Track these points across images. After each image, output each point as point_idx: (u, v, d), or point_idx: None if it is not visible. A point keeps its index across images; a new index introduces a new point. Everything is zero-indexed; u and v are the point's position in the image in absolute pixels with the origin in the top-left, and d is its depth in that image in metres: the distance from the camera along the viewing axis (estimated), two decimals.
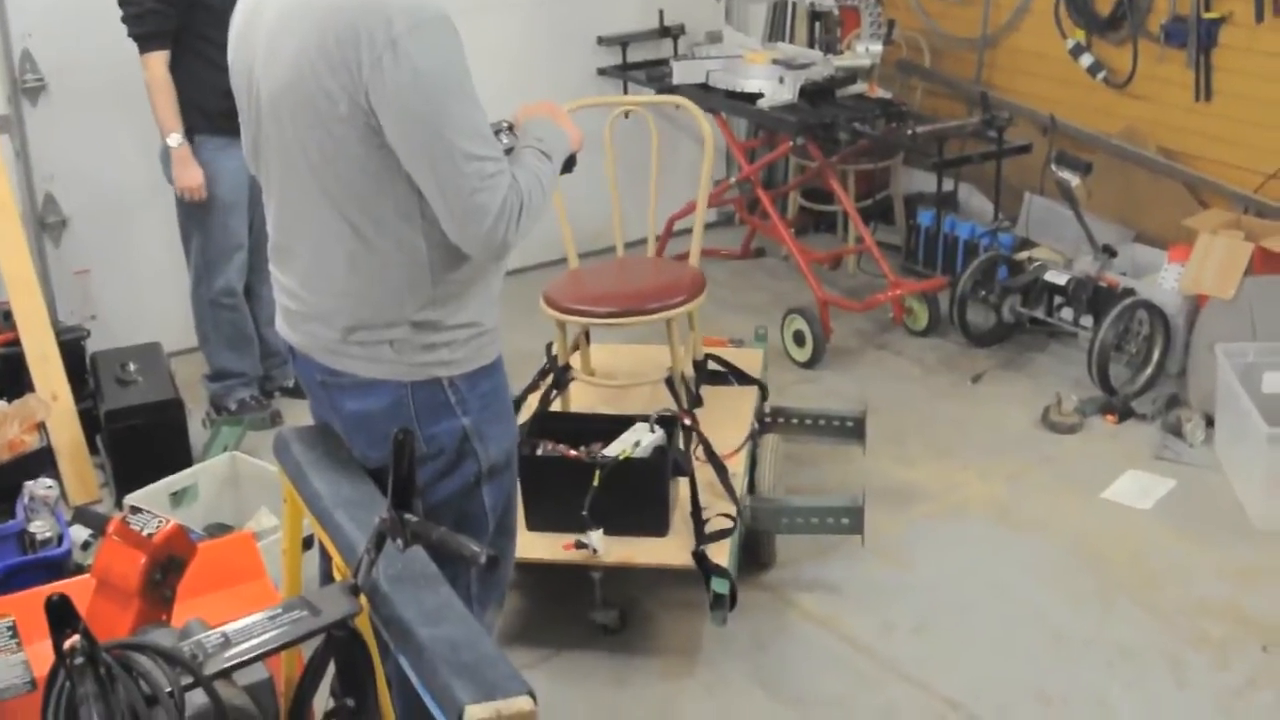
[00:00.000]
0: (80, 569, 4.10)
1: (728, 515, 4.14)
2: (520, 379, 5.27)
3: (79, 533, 4.39)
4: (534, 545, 4.05)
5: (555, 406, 4.61)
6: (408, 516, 2.31)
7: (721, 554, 4.02)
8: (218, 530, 4.47)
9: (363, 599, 2.39)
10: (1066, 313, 5.82)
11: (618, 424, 4.27)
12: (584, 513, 3.99)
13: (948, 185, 6.64)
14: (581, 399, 4.78)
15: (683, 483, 4.19)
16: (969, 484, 5.01)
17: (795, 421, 5.00)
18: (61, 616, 2.04)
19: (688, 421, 4.35)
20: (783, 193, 7.10)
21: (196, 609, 2.68)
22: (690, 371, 4.75)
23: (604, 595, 4.17)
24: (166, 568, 2.81)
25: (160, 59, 4.99)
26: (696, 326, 4.82)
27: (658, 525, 4.13)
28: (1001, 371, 5.89)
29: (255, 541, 4.02)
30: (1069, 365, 5.85)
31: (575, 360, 4.79)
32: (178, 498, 4.55)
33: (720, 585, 3.93)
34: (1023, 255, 6.14)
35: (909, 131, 5.93)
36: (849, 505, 4.27)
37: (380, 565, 2.39)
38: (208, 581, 3.60)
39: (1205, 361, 5.23)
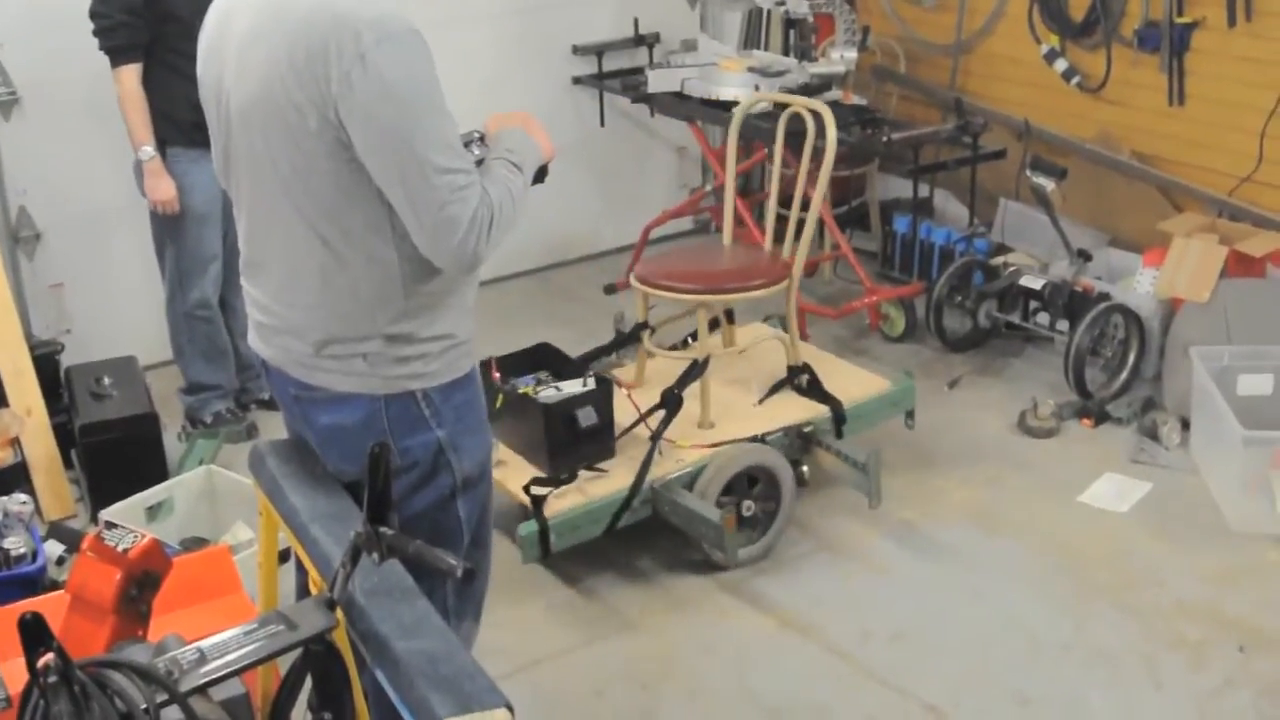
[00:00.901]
0: (55, 585, 4.09)
1: (596, 468, 4.48)
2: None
3: (54, 548, 4.38)
4: None
5: (625, 366, 5.18)
6: (383, 530, 2.31)
7: (557, 505, 4.33)
8: (194, 544, 4.46)
9: (339, 613, 2.39)
10: (1042, 317, 5.83)
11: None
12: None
13: (923, 191, 6.65)
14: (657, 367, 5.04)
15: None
16: (947, 489, 5.02)
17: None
18: (35, 635, 2.03)
19: (628, 391, 4.74)
20: (759, 200, 7.11)
21: (173, 624, 2.68)
22: (780, 369, 4.98)
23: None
24: (142, 583, 2.80)
25: (132, 72, 4.98)
26: (794, 330, 5.01)
27: (541, 461, 4.49)
28: (978, 377, 5.90)
29: (231, 555, 4.01)
30: (1045, 370, 5.85)
31: (717, 337, 5.14)
32: (153, 512, 4.53)
33: (526, 527, 4.26)
34: (998, 260, 6.15)
35: (884, 138, 5.94)
36: (714, 520, 4.27)
37: (356, 579, 2.39)
38: (184, 596, 3.60)
39: (1180, 365, 5.24)
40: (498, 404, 4.51)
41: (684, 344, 5.19)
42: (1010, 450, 5.29)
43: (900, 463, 5.15)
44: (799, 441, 4.73)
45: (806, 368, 4.95)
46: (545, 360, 4.83)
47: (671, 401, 4.62)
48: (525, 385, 4.63)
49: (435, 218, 2.58)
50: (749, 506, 4.52)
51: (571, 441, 4.46)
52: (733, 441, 4.60)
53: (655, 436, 4.51)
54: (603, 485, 4.43)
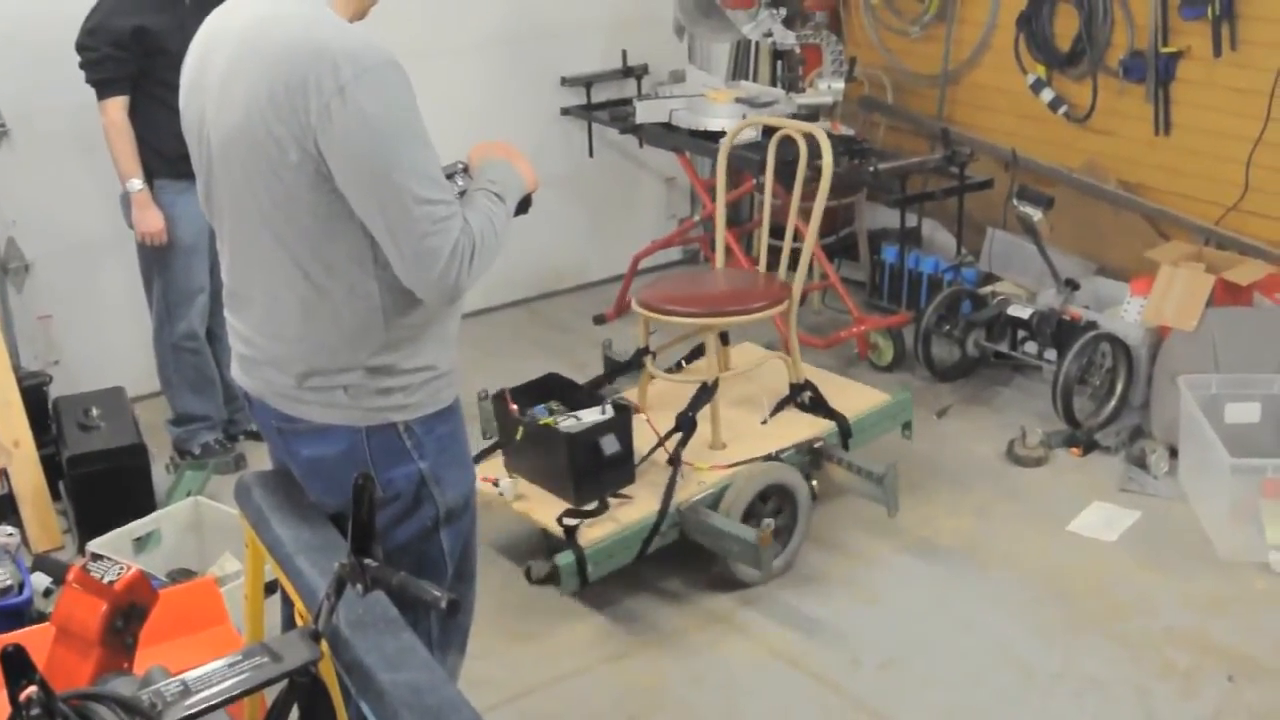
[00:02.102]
0: (42, 617, 4.07)
1: (621, 496, 4.51)
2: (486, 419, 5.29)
3: (40, 580, 4.36)
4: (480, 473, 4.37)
5: (630, 391, 5.14)
6: (367, 562, 2.30)
7: (592, 534, 4.34)
8: (181, 576, 4.44)
9: (324, 644, 2.38)
10: (1030, 346, 5.84)
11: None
12: (511, 459, 4.54)
13: (911, 221, 6.66)
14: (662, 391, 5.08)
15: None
16: (935, 518, 5.02)
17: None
18: (17, 667, 2.01)
19: (645, 416, 4.77)
20: (747, 230, 7.12)
21: (159, 656, 2.67)
22: (782, 388, 5.07)
23: (549, 546, 4.57)
24: (128, 615, 2.79)
25: (119, 105, 4.99)
26: (795, 348, 5.08)
27: (564, 490, 4.49)
28: (966, 406, 5.90)
29: (218, 587, 4.00)
30: (1033, 399, 5.86)
31: (715, 360, 5.03)
32: (141, 543, 4.52)
33: (564, 558, 4.26)
34: (986, 290, 6.16)
35: (871, 168, 5.95)
36: (750, 540, 4.32)
37: (341, 610, 2.38)
38: (170, 628, 3.58)
39: (1168, 393, 5.25)
40: (518, 436, 4.53)
41: (678, 368, 5.27)
42: (999, 479, 5.29)
43: None
44: (809, 457, 4.80)
45: (809, 384, 5.04)
46: (554, 390, 4.83)
47: (686, 424, 4.69)
48: (544, 416, 4.63)
49: (416, 248, 2.57)
50: (768, 524, 4.57)
51: (596, 470, 4.48)
52: (749, 461, 4.67)
53: (675, 460, 4.58)
54: (630, 512, 4.48)
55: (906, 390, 5.16)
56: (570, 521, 4.36)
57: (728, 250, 6.36)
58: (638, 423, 4.70)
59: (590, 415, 4.60)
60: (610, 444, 4.50)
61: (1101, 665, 4.16)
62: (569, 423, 4.55)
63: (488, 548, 3.82)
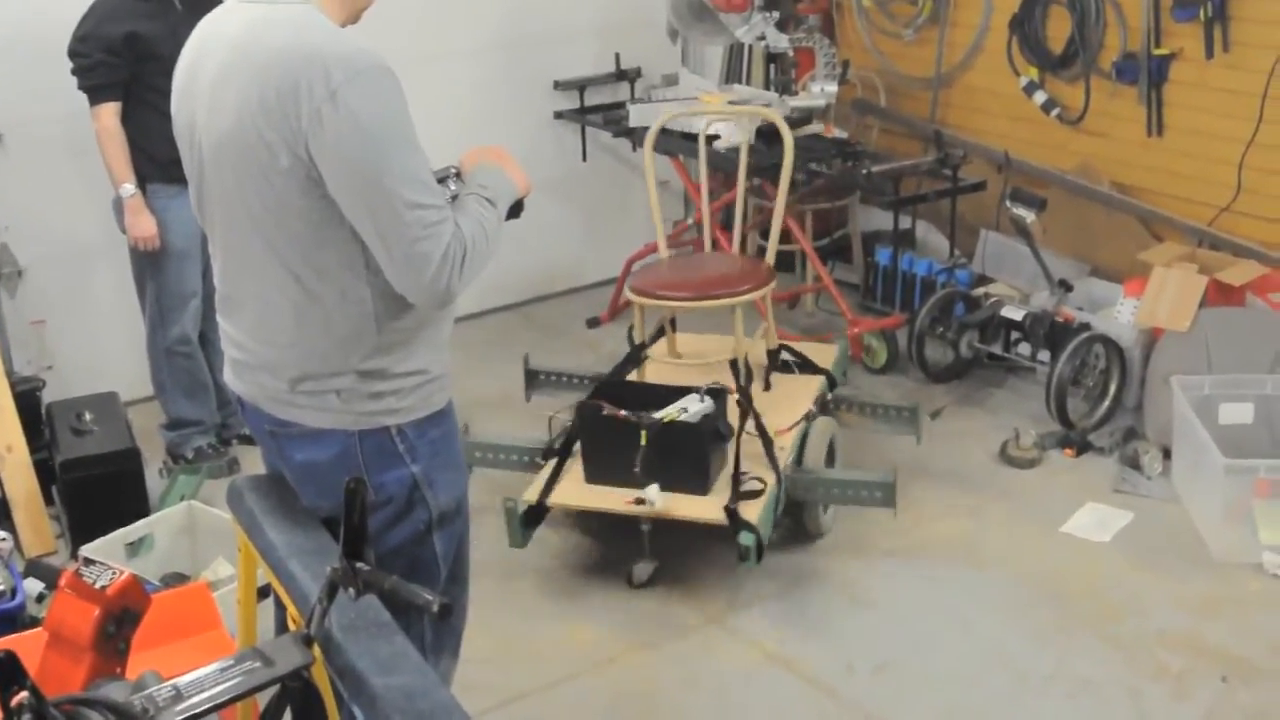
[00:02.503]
0: (35, 622, 4.06)
1: (759, 479, 4.58)
2: (480, 424, 5.30)
3: (33, 585, 4.35)
4: (594, 497, 4.64)
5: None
6: (359, 565, 2.30)
7: (752, 512, 4.44)
8: (174, 580, 4.44)
9: (316, 649, 2.38)
10: (1024, 348, 5.84)
11: (676, 394, 4.72)
12: (635, 469, 4.47)
13: (904, 223, 6.67)
14: (664, 379, 5.13)
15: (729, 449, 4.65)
16: (929, 520, 5.02)
17: (854, 408, 5.40)
18: (8, 673, 2.01)
19: (736, 396, 4.81)
20: (742, 233, 7.12)
21: (152, 661, 2.66)
22: (762, 359, 5.32)
23: (650, 548, 4.64)
24: (120, 620, 2.79)
25: (111, 110, 4.99)
26: (770, 318, 5.29)
27: (699, 484, 4.56)
28: (960, 407, 5.91)
29: (211, 592, 4.00)
30: (1027, 400, 5.87)
31: (661, 345, 5.37)
32: (134, 548, 4.52)
33: (746, 538, 4.35)
34: (980, 291, 6.16)
35: (864, 171, 5.96)
36: (882, 480, 4.59)
37: (333, 615, 2.38)
38: (164, 633, 3.59)
39: (1161, 394, 5.26)
40: (642, 441, 4.50)
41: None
42: (992, 481, 5.30)
43: None
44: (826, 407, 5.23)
45: (782, 348, 5.31)
46: (624, 394, 4.84)
47: (746, 400, 4.79)
48: (669, 413, 4.62)
49: (407, 253, 2.57)
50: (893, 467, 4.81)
51: (715, 454, 4.61)
52: (798, 422, 4.94)
53: (761, 432, 4.70)
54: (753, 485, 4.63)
55: (841, 340, 5.47)
56: (733, 506, 4.44)
57: (718, 246, 6.38)
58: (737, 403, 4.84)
59: (693, 405, 4.64)
60: (726, 426, 4.64)
61: (1095, 666, 4.17)
62: (684, 415, 4.61)
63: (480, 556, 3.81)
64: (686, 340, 5.48)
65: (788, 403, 5.07)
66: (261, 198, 2.62)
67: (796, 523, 4.84)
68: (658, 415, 4.56)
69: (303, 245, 2.64)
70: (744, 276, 5.08)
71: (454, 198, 2.76)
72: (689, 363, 5.23)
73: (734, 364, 4.85)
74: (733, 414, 4.75)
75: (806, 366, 5.34)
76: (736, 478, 4.54)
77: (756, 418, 4.74)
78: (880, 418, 5.35)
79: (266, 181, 2.59)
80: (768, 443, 4.68)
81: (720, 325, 5.31)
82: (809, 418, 4.99)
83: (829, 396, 5.29)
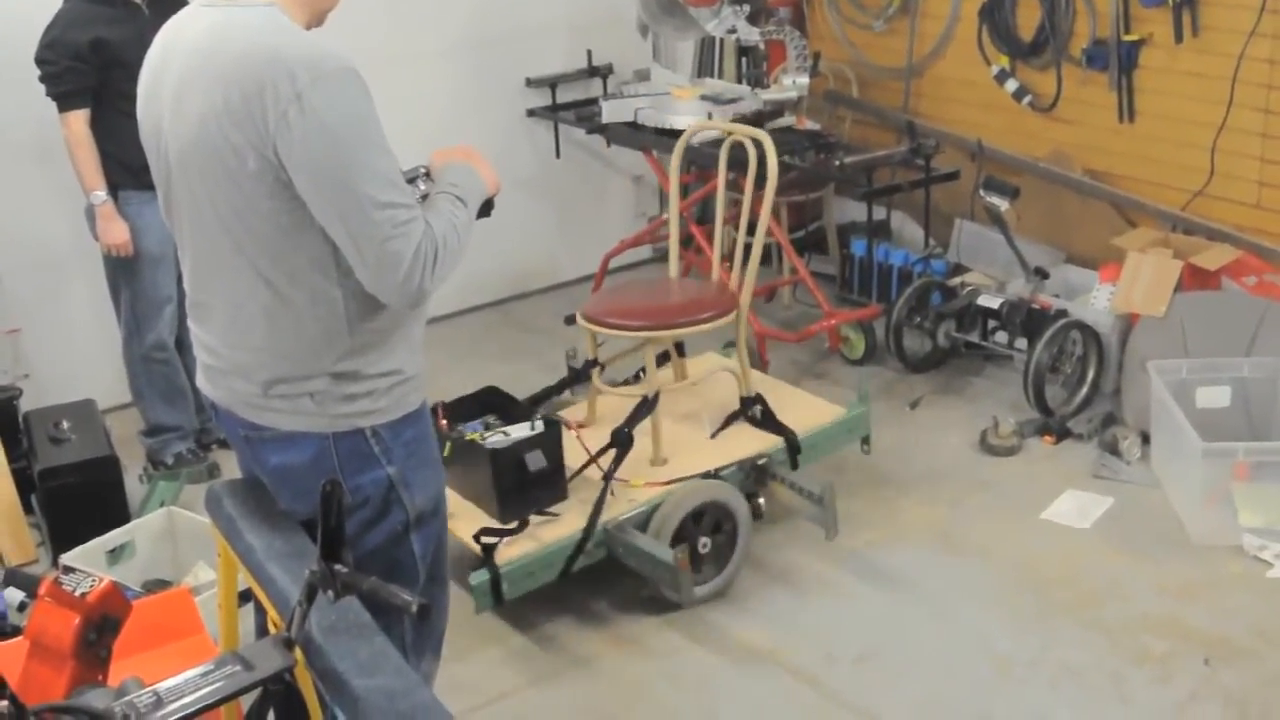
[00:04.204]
0: (16, 631, 4.05)
1: (548, 513, 4.42)
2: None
3: (14, 595, 4.34)
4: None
5: (577, 406, 5.11)
6: (338, 567, 2.29)
7: (508, 554, 4.25)
8: (156, 586, 4.43)
9: (297, 651, 2.37)
10: (1001, 336, 5.86)
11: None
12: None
13: (879, 214, 6.68)
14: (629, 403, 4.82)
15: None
16: (909, 510, 5.03)
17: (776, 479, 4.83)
18: None
19: (575, 432, 4.67)
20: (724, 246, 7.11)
21: (134, 667, 2.65)
22: (731, 401, 4.97)
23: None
24: (101, 627, 2.77)
25: (79, 117, 4.97)
26: (744, 358, 4.95)
27: (490, 507, 4.42)
28: (939, 397, 5.92)
29: (193, 597, 3.99)
30: (1005, 388, 5.88)
31: (668, 371, 5.12)
32: (115, 555, 4.51)
33: (477, 577, 4.17)
34: (956, 281, 6.18)
35: (837, 162, 5.96)
36: (668, 561, 4.23)
37: (313, 617, 2.38)
38: (146, 639, 3.57)
39: (1139, 379, 5.27)
40: (446, 452, 4.42)
41: (636, 378, 5.17)
42: (972, 469, 5.31)
43: (861, 485, 5.16)
44: (754, 474, 4.71)
45: (759, 398, 4.93)
46: (493, 404, 4.76)
47: (622, 440, 4.55)
48: (472, 431, 4.56)
49: (378, 252, 2.57)
50: (704, 543, 4.49)
51: (521, 486, 4.39)
52: (686, 479, 4.55)
53: (607, 477, 4.45)
54: (555, 530, 4.37)
55: (863, 403, 5.07)
56: (489, 539, 4.26)
57: (697, 248, 6.39)
58: (572, 438, 4.63)
59: (519, 430, 4.52)
60: (536, 460, 4.39)
61: (1077, 652, 4.18)
62: (496, 438, 4.48)
63: (452, 563, 3.79)
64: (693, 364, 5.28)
65: (694, 458, 4.69)
66: (230, 201, 2.62)
67: (769, 514, 4.80)
68: (470, 434, 4.51)
69: (272, 248, 2.64)
70: (702, 304, 4.79)
71: (424, 197, 2.76)
72: (630, 393, 4.88)
73: (643, 401, 4.65)
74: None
75: (768, 424, 4.90)
76: (524, 513, 4.38)
77: (597, 463, 4.53)
78: (797, 494, 4.79)
79: (234, 185, 2.59)
80: (601, 490, 4.41)
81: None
82: (687, 480, 4.55)
83: (764, 461, 4.73)
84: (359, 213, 2.54)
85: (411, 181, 2.75)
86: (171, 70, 2.69)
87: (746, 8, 6.46)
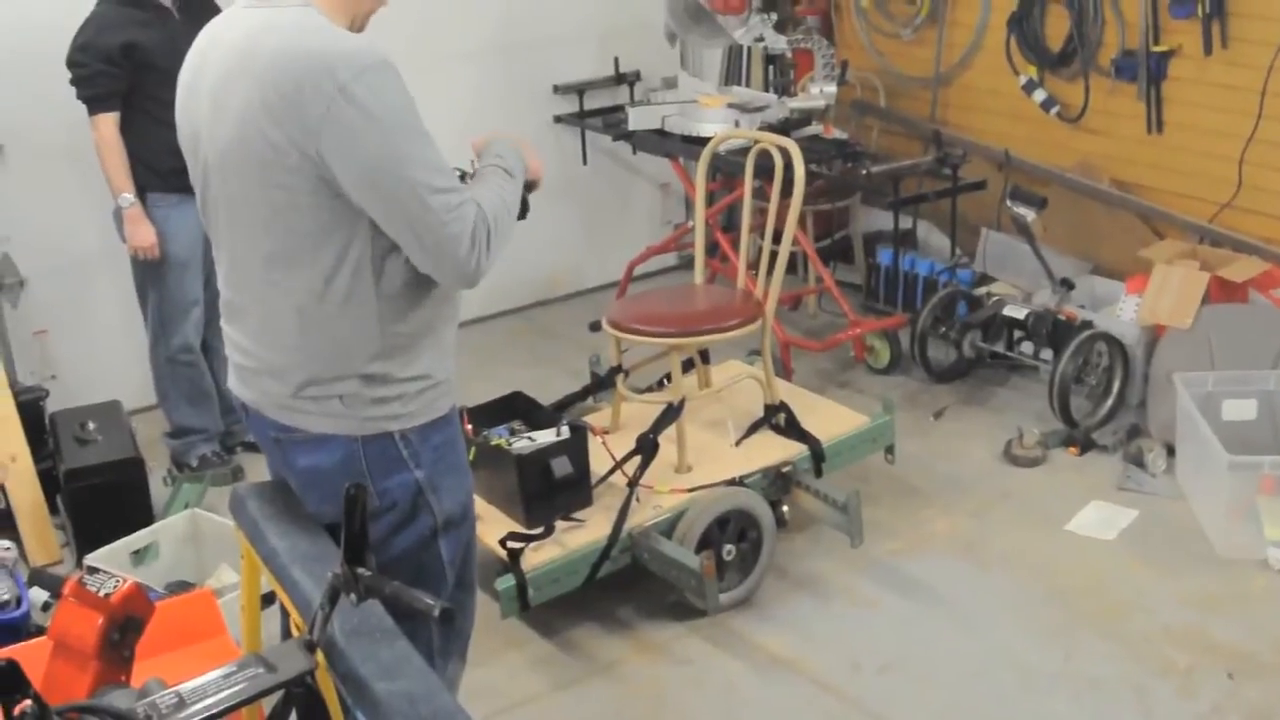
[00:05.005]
0: (40, 631, 4.07)
1: (573, 519, 4.42)
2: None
3: (38, 595, 4.36)
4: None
5: (601, 410, 5.14)
6: (361, 571, 2.30)
7: (534, 560, 4.25)
8: (179, 588, 4.44)
9: (319, 654, 2.38)
10: (1026, 346, 5.84)
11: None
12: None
13: (906, 223, 6.66)
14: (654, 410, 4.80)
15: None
16: (933, 520, 5.02)
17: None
18: (11, 681, 2.01)
19: (600, 438, 4.62)
20: (749, 252, 7.11)
21: (157, 668, 2.66)
22: (755, 409, 4.95)
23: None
24: (124, 628, 2.78)
25: (110, 120, 4.99)
26: (769, 367, 4.94)
27: (514, 511, 4.42)
28: (963, 407, 5.90)
29: (215, 599, 4.00)
30: (1030, 399, 5.86)
31: (693, 378, 5.04)
32: (139, 556, 4.52)
33: (503, 582, 4.16)
34: (982, 291, 6.17)
35: (864, 171, 5.95)
36: (694, 568, 4.22)
37: (336, 620, 2.38)
38: (168, 640, 3.59)
39: (1165, 391, 5.25)
40: (471, 457, 4.41)
41: (660, 385, 5.17)
42: (996, 480, 5.29)
43: (886, 494, 5.15)
44: (778, 482, 4.71)
45: (783, 406, 4.92)
46: (518, 409, 4.77)
47: (647, 447, 4.55)
48: (498, 437, 4.56)
49: (437, 237, 2.59)
50: (729, 551, 4.49)
51: (547, 492, 4.39)
52: (711, 485, 4.55)
53: (632, 483, 4.45)
54: (581, 535, 4.37)
55: (888, 413, 5.07)
56: (515, 545, 4.27)
57: (722, 255, 6.39)
58: (598, 444, 4.61)
59: (545, 436, 4.53)
60: (562, 466, 4.40)
61: (1100, 664, 4.16)
62: (522, 444, 4.48)
63: (478, 568, 3.79)
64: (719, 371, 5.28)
65: (719, 465, 4.70)
66: (268, 200, 2.62)
67: (793, 522, 4.80)
68: (521, 444, 4.50)
69: (308, 247, 2.65)
70: (727, 312, 4.78)
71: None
72: (655, 399, 4.87)
73: (668, 408, 4.63)
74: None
75: (792, 431, 4.90)
76: (550, 518, 4.39)
77: (622, 469, 4.52)
78: (821, 501, 4.74)
79: (273, 184, 2.60)
80: (627, 496, 4.41)
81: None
82: (712, 488, 4.55)
83: (788, 469, 4.73)
84: (415, 201, 2.55)
85: None
86: (209, 72, 2.70)
87: (774, 16, 6.47)
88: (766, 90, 6.76)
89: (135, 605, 2.80)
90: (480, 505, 4.35)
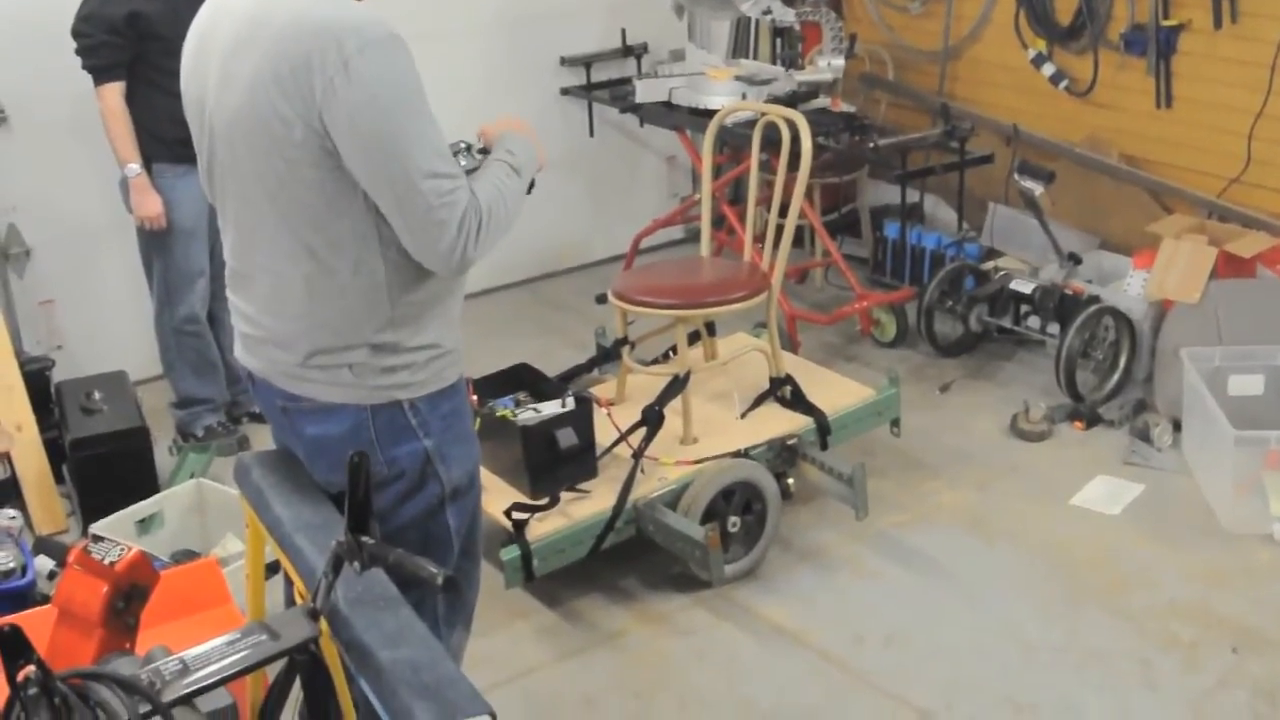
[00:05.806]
0: (46, 599, 4.08)
1: (578, 490, 4.41)
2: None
3: (44, 563, 4.37)
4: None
5: (606, 382, 5.14)
6: (364, 539, 2.30)
7: (539, 530, 4.26)
8: (184, 557, 4.45)
9: (322, 622, 2.38)
10: (1033, 321, 5.83)
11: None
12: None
13: (913, 197, 6.64)
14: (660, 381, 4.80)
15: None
16: (938, 493, 5.02)
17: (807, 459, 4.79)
18: (15, 647, 2.02)
19: (605, 409, 4.66)
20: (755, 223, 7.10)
21: (162, 636, 2.67)
22: (761, 382, 4.95)
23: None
24: (129, 596, 2.79)
25: (115, 90, 4.99)
26: (775, 339, 4.95)
27: (519, 482, 4.42)
28: (970, 381, 5.90)
29: (220, 568, 4.01)
30: (1036, 373, 5.86)
31: (699, 350, 5.07)
32: (144, 525, 4.53)
33: (508, 553, 4.17)
34: (989, 265, 6.16)
35: (872, 144, 5.94)
36: (698, 539, 4.23)
37: (339, 589, 2.39)
38: (173, 609, 3.59)
39: (1171, 366, 5.24)
40: (476, 427, 4.42)
41: (665, 358, 5.16)
42: (1002, 454, 5.29)
43: (891, 467, 5.15)
44: (783, 454, 4.70)
45: (789, 379, 4.92)
46: (524, 381, 4.76)
47: (652, 419, 4.56)
48: (503, 408, 4.56)
49: (423, 221, 2.58)
50: (734, 523, 4.48)
51: (552, 463, 4.39)
52: (716, 457, 4.55)
53: (637, 455, 4.46)
54: (585, 506, 4.37)
55: (893, 385, 5.06)
56: (520, 515, 4.27)
57: (729, 228, 6.37)
58: (603, 416, 4.62)
59: (550, 408, 4.53)
60: (567, 437, 4.40)
61: (1105, 638, 4.16)
62: (527, 415, 4.49)
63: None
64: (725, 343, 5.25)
65: (724, 437, 4.70)
66: (275, 170, 2.62)
67: (798, 494, 4.80)
68: (500, 410, 4.51)
69: (315, 218, 2.64)
70: (733, 284, 4.76)
71: (468, 172, 2.75)
72: (661, 371, 4.85)
73: (674, 380, 4.66)
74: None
75: (798, 404, 4.90)
76: (554, 489, 4.39)
77: (627, 441, 4.53)
78: (826, 474, 4.71)
79: (280, 154, 2.59)
80: (632, 468, 4.42)
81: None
82: (718, 459, 4.55)
83: (794, 441, 4.72)
84: (405, 181, 2.55)
85: (454, 155, 2.75)
86: (217, 40, 2.69)
87: None
88: (774, 63, 6.75)
89: (140, 573, 2.80)
90: (485, 476, 4.29)
